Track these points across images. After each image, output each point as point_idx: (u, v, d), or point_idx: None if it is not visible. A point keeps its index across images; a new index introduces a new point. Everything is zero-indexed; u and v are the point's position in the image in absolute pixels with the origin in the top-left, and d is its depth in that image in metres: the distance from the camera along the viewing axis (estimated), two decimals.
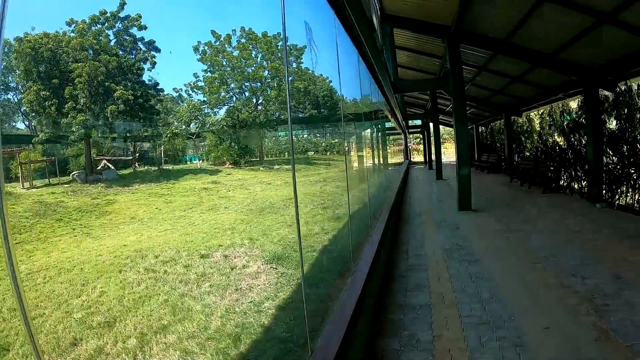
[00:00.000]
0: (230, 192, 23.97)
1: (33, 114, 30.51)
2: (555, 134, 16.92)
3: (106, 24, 30.78)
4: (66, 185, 26.07)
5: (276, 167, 33.82)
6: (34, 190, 25.15)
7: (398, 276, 6.45)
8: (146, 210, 19.32)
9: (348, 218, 5.55)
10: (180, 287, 8.43)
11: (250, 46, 37.98)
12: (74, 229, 16.53)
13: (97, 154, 31.66)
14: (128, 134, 33.42)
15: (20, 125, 40.97)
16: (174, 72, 78.29)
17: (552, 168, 15.17)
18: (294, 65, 39.64)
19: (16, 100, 36.21)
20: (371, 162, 11.39)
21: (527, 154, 20.31)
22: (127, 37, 31.67)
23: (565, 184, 15.22)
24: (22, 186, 26.54)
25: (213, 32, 38.32)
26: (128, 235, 14.45)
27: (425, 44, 15.18)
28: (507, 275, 6.18)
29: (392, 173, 18.48)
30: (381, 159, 14.13)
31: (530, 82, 15.11)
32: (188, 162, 40.92)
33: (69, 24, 29.89)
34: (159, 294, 8.22)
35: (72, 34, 29.44)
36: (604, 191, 12.03)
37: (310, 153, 46.18)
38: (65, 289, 9.39)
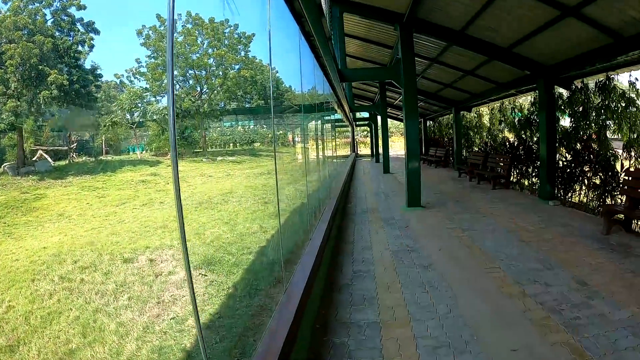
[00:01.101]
0: (169, 185, 22.60)
1: None
2: (506, 130, 16.73)
3: (43, 2, 28.53)
4: None
5: (219, 158, 32.81)
6: None
7: (342, 285, 5.67)
8: (76, 206, 17.89)
9: (278, 220, 4.65)
10: (95, 300, 7.34)
11: (197, 32, 36.55)
12: None
13: (34, 144, 29.90)
14: (63, 122, 31.83)
15: None
16: (116, 57, 75.68)
17: (501, 164, 14.83)
18: (242, 53, 38.48)
19: None
20: (315, 154, 10.62)
21: (476, 149, 20.11)
22: (65, 17, 29.31)
23: (515, 180, 14.92)
24: None
25: (158, 16, 36.60)
26: (51, 235, 13.09)
27: (377, 33, 14.53)
28: (465, 284, 5.50)
29: (338, 166, 17.78)
30: (326, 151, 13.35)
31: (482, 77, 14.74)
32: (130, 153, 39.48)
33: (4, 2, 27.61)
34: (71, 309, 7.14)
35: (8, 13, 27.33)
36: (556, 189, 11.72)
37: (257, 144, 45.21)
38: None
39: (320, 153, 11.37)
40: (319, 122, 11.96)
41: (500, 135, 17.26)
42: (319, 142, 11.62)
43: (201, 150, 37.19)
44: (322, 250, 5.40)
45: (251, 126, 49.24)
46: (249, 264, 8.39)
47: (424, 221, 9.61)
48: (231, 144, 44.45)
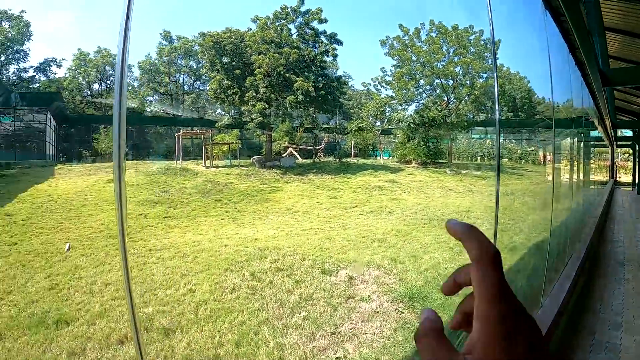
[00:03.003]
0: (405, 194, 21.70)
1: (219, 102, 34.57)
2: None
3: (287, 19, 32.49)
4: (244, 168, 27.09)
5: (464, 171, 31.18)
6: (212, 169, 26.65)
7: None
8: (306, 204, 18.25)
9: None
10: (270, 310, 6.65)
11: (441, 40, 35.64)
12: (226, 212, 16.32)
13: (287, 142, 33.90)
14: (308, 125, 35.66)
15: (221, 111, 45.98)
16: (362, 67, 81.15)
17: None
18: (489, 61, 36.15)
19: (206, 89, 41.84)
20: (568, 178, 8.50)
21: None
22: (309, 31, 32.93)
23: None
24: (204, 164, 28.33)
25: (401, 26, 37.03)
26: (269, 229, 13.29)
27: None
28: None
29: (592, 195, 14.68)
30: (580, 175, 10.82)
31: None
32: (377, 158, 41.69)
33: (253, 20, 32.82)
34: (242, 312, 6.61)
35: (256, 29, 32.05)
36: None
37: (504, 160, 42.25)
38: (163, 276, 8.55)
39: (574, 177, 9.15)
40: (575, 139, 9.73)
41: None
42: (574, 163, 9.40)
43: (446, 162, 36.33)
44: (554, 326, 3.73)
45: (500, 140, 46.91)
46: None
47: None
48: (478, 158, 43.24)
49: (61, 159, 37.48)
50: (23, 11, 45.29)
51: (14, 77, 46.89)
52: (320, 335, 5.71)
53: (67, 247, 10.64)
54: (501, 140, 46.24)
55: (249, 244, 10.92)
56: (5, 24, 44.33)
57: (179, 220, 14.52)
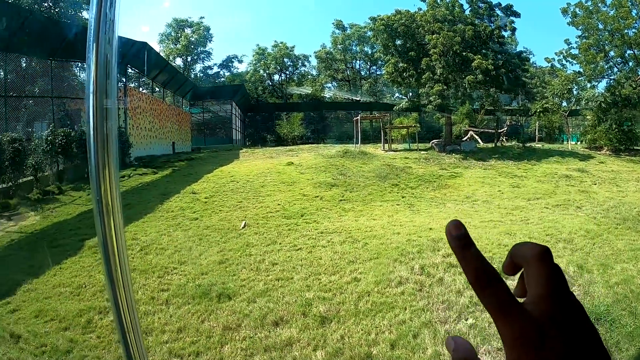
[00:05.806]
0: (595, 185, 19.01)
1: (395, 85, 34.28)
2: None
3: None
4: (423, 152, 26.54)
5: None
6: (391, 153, 26.60)
7: None
8: (486, 192, 17.00)
9: None
10: (435, 311, 5.98)
11: (629, 3, 30.04)
12: (403, 197, 15.96)
13: (468, 125, 32.74)
14: (489, 107, 33.61)
15: (399, 95, 46.09)
16: (543, 40, 74.05)
17: None
18: None
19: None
20: None
21: None
22: (482, 5, 30.84)
23: None
24: (383, 148, 28.35)
25: None
26: (445, 218, 12.40)
27: None
28: None
29: None
30: None
31: None
32: (563, 142, 38.04)
33: (422, 0, 31.59)
34: (404, 310, 6.07)
35: (426, 8, 30.84)
36: None
37: None
38: (331, 262, 8.44)
39: None
40: None
41: None
42: None
43: None
44: None
45: None
46: None
47: None
48: None
49: (247, 143, 41.28)
50: (202, 17, 51.97)
51: (201, 75, 54.70)
52: (484, 350, 4.91)
53: (242, 225, 11.17)
54: None
55: (422, 233, 10.30)
56: (188, 30, 51.92)
57: (353, 204, 14.57)
